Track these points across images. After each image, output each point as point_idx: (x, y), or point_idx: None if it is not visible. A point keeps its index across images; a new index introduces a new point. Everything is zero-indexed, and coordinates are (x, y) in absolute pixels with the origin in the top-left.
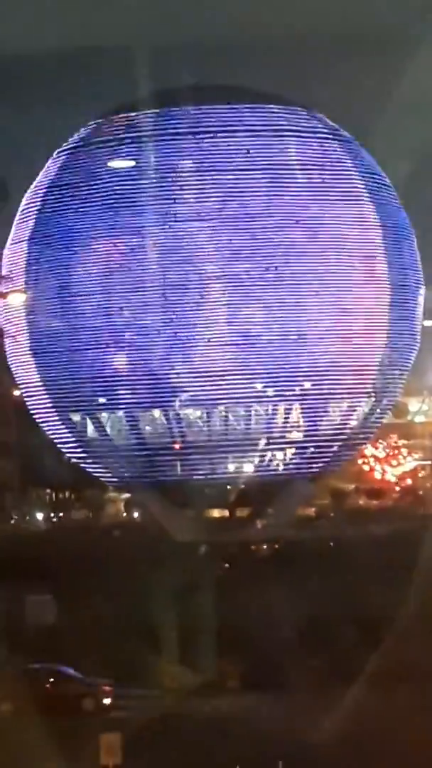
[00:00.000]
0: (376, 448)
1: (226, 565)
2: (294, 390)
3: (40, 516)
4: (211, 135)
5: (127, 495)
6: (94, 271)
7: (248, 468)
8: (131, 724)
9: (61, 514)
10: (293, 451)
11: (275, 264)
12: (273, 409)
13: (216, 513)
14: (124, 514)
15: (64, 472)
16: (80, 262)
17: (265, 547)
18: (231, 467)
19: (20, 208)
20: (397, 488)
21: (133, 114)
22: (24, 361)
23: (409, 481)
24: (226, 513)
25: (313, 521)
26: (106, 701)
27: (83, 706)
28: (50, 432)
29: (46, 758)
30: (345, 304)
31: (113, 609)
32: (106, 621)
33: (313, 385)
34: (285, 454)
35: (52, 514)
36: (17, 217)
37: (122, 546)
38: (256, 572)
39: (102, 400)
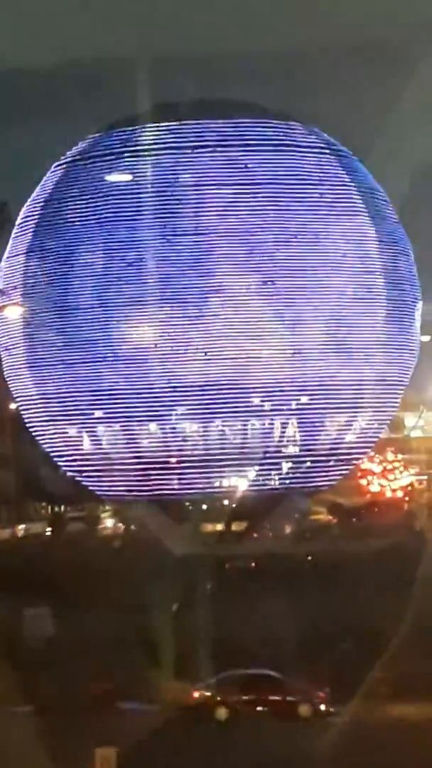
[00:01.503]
0: (373, 462)
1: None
2: (291, 404)
3: (36, 529)
4: (210, 149)
5: (123, 508)
6: (91, 285)
7: (245, 482)
8: (349, 731)
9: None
10: (290, 465)
11: (273, 278)
12: (270, 424)
13: (212, 527)
14: (121, 528)
15: (60, 485)
16: (77, 276)
17: (258, 561)
18: (227, 481)
19: (18, 221)
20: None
21: (132, 128)
22: (21, 375)
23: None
24: (223, 527)
25: (310, 535)
26: (322, 707)
27: (300, 713)
28: (47, 445)
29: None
30: (342, 318)
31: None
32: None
33: (309, 399)
34: (282, 469)
35: (49, 528)
36: (15, 231)
37: (119, 559)
38: (253, 586)
39: (98, 413)
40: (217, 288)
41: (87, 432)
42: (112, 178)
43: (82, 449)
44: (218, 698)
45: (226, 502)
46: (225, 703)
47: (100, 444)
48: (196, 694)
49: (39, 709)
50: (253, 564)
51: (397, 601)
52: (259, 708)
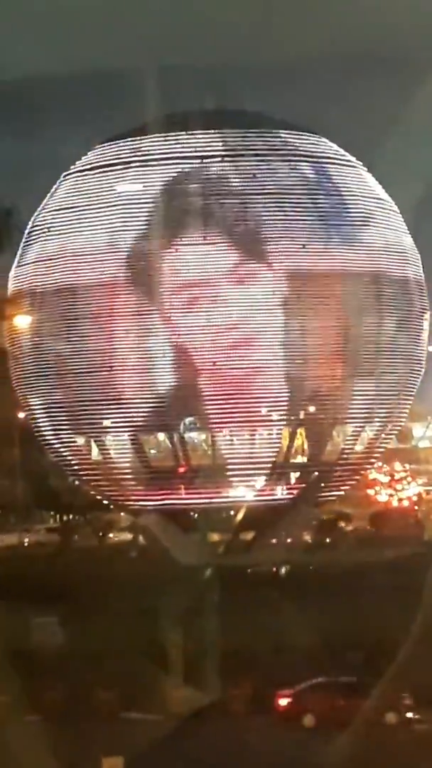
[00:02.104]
0: (381, 472)
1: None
2: (298, 414)
3: (44, 537)
4: (218, 159)
5: (131, 518)
6: (100, 294)
7: (252, 492)
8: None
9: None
10: (297, 475)
11: (281, 288)
12: (277, 433)
13: (220, 536)
14: (130, 537)
15: (68, 494)
16: (86, 285)
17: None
18: (235, 491)
19: (27, 230)
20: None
21: (140, 138)
22: (29, 383)
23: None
24: (230, 536)
25: (317, 546)
26: (409, 715)
27: (386, 720)
28: (55, 454)
29: None
30: (350, 328)
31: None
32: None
33: (317, 409)
34: (289, 479)
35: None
36: (24, 239)
37: (128, 568)
38: (260, 596)
39: (107, 423)
40: (226, 297)
41: (95, 441)
42: (121, 188)
43: (90, 458)
44: (305, 705)
45: (233, 511)
46: (312, 710)
47: (108, 453)
48: (283, 702)
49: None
50: (275, 569)
51: None
52: (345, 715)
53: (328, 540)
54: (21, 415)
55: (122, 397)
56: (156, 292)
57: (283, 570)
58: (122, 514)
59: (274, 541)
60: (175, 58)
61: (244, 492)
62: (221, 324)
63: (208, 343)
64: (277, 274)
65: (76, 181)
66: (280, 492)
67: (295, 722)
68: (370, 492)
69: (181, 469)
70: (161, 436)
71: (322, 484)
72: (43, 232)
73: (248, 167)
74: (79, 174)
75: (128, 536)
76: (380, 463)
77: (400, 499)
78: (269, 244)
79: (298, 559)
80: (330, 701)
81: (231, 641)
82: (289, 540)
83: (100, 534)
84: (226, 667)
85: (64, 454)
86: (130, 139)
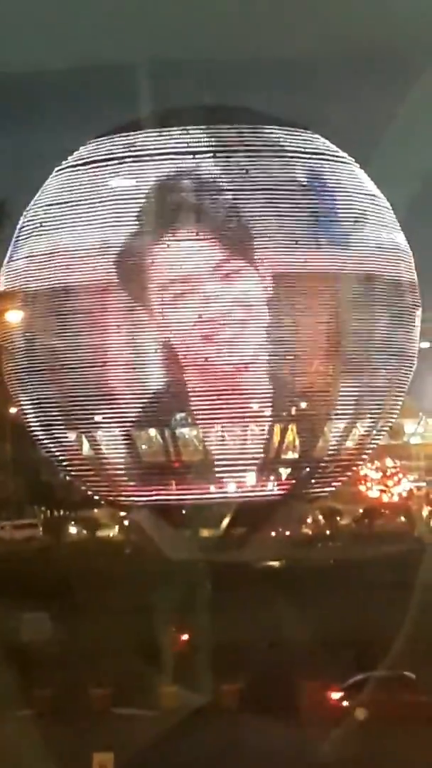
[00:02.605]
0: (372, 469)
1: None
2: (290, 410)
3: (36, 533)
4: (211, 154)
5: (122, 513)
6: (92, 289)
7: (244, 488)
8: None
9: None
10: (288, 471)
11: (272, 285)
12: (269, 430)
13: (211, 532)
14: (119, 533)
15: (60, 489)
16: (78, 281)
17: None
18: (227, 487)
19: (19, 226)
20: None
21: (133, 133)
22: (21, 379)
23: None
24: (221, 532)
25: (309, 542)
26: None
27: None
28: (46, 449)
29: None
30: (342, 324)
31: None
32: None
33: (308, 405)
34: (280, 475)
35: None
36: (15, 235)
37: (118, 564)
38: (251, 592)
39: (98, 418)
40: (218, 293)
41: (86, 436)
42: (114, 183)
43: (81, 453)
44: (356, 699)
45: (224, 507)
46: (363, 704)
47: (100, 449)
48: (335, 695)
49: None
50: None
51: None
52: (396, 710)
53: (320, 536)
54: (12, 410)
55: (114, 392)
56: (148, 288)
57: (275, 565)
58: (113, 509)
59: (265, 537)
60: (170, 53)
61: (235, 488)
62: (212, 320)
63: (199, 339)
64: (269, 270)
65: (69, 176)
66: (272, 488)
67: (348, 717)
68: (362, 488)
69: (173, 465)
70: (152, 431)
71: (314, 481)
72: (36, 228)
73: (241, 163)
74: (71, 169)
75: (118, 532)
76: (372, 460)
77: (391, 495)
78: (261, 241)
79: (290, 555)
80: (382, 696)
81: (221, 637)
82: (280, 536)
83: (90, 530)
84: (217, 663)
85: (56, 449)
86: (123, 134)
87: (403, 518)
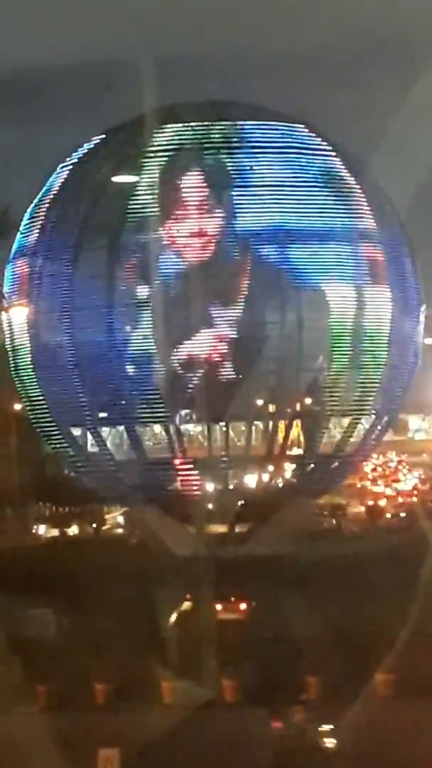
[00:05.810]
0: (377, 464)
1: None
2: (294, 406)
3: (41, 530)
4: (214, 151)
5: (126, 509)
6: (96, 286)
7: (248, 484)
8: None
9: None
10: (293, 467)
11: (277, 280)
12: (274, 426)
13: (216, 528)
14: (124, 529)
15: (65, 486)
16: (82, 277)
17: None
18: (231, 483)
19: (23, 223)
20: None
21: (136, 129)
22: (26, 375)
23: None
24: (226, 528)
25: (314, 537)
26: None
27: None
28: (51, 446)
29: None
30: (346, 320)
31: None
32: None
33: (313, 401)
34: (286, 471)
35: (54, 529)
36: (20, 232)
37: (123, 560)
38: (257, 587)
39: (103, 414)
40: (222, 289)
41: (91, 433)
42: (117, 179)
43: (86, 450)
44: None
45: (229, 503)
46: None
47: (105, 445)
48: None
49: None
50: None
51: None
52: None
53: (325, 531)
54: (17, 406)
55: (119, 389)
56: (152, 284)
57: (281, 560)
58: (118, 505)
59: (270, 532)
60: (175, 48)
61: (241, 484)
62: (219, 316)
63: (205, 334)
64: (272, 265)
65: (72, 172)
66: (277, 484)
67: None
68: (367, 483)
69: (178, 461)
70: (157, 428)
71: (319, 476)
72: (39, 224)
73: (244, 159)
74: (74, 165)
75: (123, 528)
76: (377, 455)
77: (396, 491)
78: (265, 236)
79: (295, 550)
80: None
81: (228, 631)
82: (286, 531)
83: (95, 526)
84: (221, 658)
85: (61, 445)
86: (126, 130)
87: (406, 513)
